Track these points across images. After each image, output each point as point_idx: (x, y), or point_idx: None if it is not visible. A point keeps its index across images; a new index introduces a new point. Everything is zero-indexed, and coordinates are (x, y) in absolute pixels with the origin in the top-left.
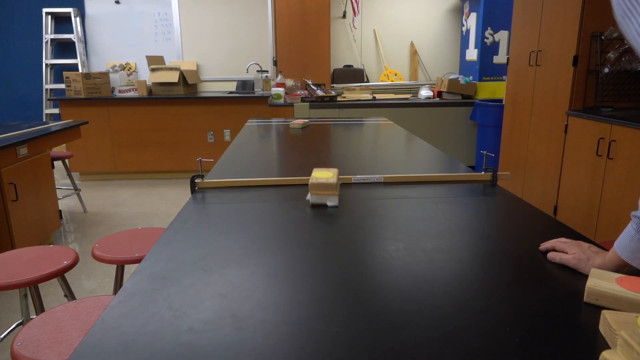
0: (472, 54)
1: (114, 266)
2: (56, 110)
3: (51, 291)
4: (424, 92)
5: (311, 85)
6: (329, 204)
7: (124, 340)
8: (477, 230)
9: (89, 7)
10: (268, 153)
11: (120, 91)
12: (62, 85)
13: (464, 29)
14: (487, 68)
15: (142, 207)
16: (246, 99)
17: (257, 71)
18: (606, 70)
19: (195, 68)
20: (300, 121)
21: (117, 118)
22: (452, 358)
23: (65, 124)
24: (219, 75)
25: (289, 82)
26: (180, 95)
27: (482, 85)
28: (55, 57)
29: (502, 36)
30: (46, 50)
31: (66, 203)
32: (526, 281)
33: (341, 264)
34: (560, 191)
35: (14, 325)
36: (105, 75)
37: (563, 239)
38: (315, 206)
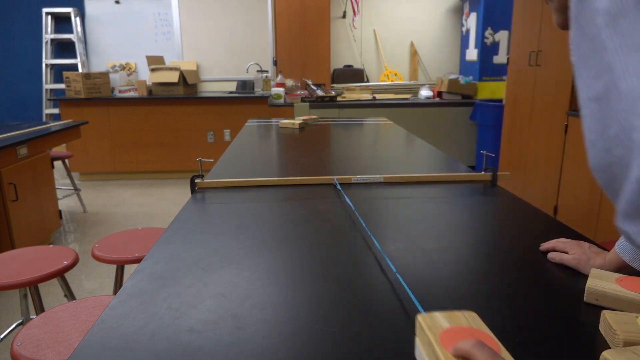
0: (472, 54)
1: (114, 266)
2: (56, 110)
3: (51, 291)
4: (424, 92)
5: (311, 85)
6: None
7: (124, 340)
8: (477, 230)
9: (89, 7)
10: (268, 153)
11: (120, 91)
12: (62, 85)
13: (464, 29)
14: (487, 68)
15: (142, 207)
16: (246, 99)
17: (257, 71)
18: None
19: (195, 68)
20: (289, 121)
21: (117, 118)
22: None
23: (65, 124)
24: (219, 75)
25: (289, 82)
26: (180, 95)
27: (482, 85)
28: (55, 57)
29: (502, 36)
30: (46, 50)
31: (66, 203)
32: (526, 281)
33: (341, 264)
34: (560, 191)
35: (14, 325)
36: (105, 75)
37: (563, 239)
38: (315, 207)
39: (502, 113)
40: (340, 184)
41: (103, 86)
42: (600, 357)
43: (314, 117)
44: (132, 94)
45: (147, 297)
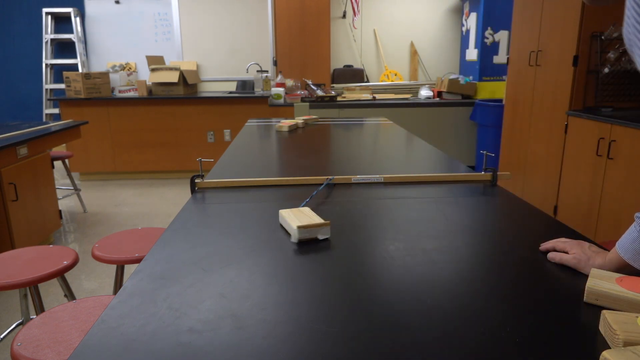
0: (472, 54)
1: (114, 266)
2: (56, 110)
3: (51, 291)
4: (424, 92)
5: (311, 85)
6: (320, 237)
7: (124, 340)
8: (477, 230)
9: (89, 7)
10: (268, 153)
11: (120, 91)
12: (62, 85)
13: (464, 29)
14: (487, 68)
15: (142, 207)
16: (246, 99)
17: (257, 71)
18: (606, 70)
19: (195, 68)
20: (287, 122)
21: (117, 118)
22: (452, 358)
23: (65, 124)
24: (219, 75)
25: (289, 82)
26: (180, 95)
27: (482, 85)
28: (55, 57)
29: (502, 36)
30: (46, 50)
31: (66, 203)
32: (526, 281)
33: (341, 264)
34: (560, 191)
35: (14, 325)
36: (105, 75)
37: (563, 239)
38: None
39: (502, 113)
40: (339, 184)
41: (103, 86)
42: (600, 357)
43: (313, 117)
44: (132, 94)
45: (147, 297)
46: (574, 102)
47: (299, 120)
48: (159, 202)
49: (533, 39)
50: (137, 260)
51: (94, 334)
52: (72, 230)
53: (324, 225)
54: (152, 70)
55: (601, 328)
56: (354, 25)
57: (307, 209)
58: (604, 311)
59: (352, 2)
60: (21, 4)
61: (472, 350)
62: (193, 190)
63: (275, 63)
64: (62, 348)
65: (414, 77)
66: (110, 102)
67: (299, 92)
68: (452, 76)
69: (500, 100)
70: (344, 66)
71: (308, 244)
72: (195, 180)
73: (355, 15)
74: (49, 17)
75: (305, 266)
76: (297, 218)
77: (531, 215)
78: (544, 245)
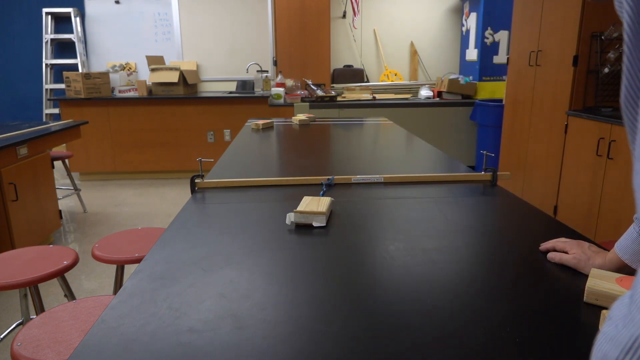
0: (472, 54)
1: (114, 266)
2: (56, 110)
3: (51, 291)
4: (424, 92)
5: (311, 85)
6: (314, 224)
7: (124, 340)
8: (477, 230)
9: (89, 7)
10: (268, 153)
11: (120, 91)
12: (62, 85)
13: (464, 29)
14: (487, 68)
15: (142, 207)
16: (246, 99)
17: (257, 71)
18: (606, 70)
19: (195, 68)
20: (261, 122)
21: (117, 118)
22: (452, 358)
23: (65, 124)
24: (219, 75)
25: (289, 82)
26: (180, 95)
27: (482, 85)
28: (55, 57)
29: (502, 36)
30: (46, 50)
31: (66, 203)
32: (526, 281)
33: (341, 264)
34: (560, 191)
35: (14, 325)
36: (105, 75)
37: (563, 239)
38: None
39: (502, 113)
40: (340, 184)
41: (103, 86)
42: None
43: (311, 115)
44: (132, 94)
45: (147, 297)
46: (574, 102)
47: (262, 120)
48: (159, 202)
49: (533, 39)
50: (137, 260)
51: (94, 334)
52: (72, 230)
53: (319, 214)
54: (152, 70)
55: (601, 328)
56: (354, 25)
57: (327, 199)
58: (604, 311)
59: (352, 2)
60: (21, 4)
61: (472, 350)
62: (193, 190)
63: (275, 63)
64: (62, 348)
65: (414, 77)
66: (110, 102)
67: (299, 92)
68: (452, 76)
69: (500, 100)
70: (344, 66)
71: (306, 233)
72: (195, 180)
73: (355, 15)
74: (49, 17)
75: (306, 266)
76: (305, 203)
77: (531, 215)
78: (544, 245)
